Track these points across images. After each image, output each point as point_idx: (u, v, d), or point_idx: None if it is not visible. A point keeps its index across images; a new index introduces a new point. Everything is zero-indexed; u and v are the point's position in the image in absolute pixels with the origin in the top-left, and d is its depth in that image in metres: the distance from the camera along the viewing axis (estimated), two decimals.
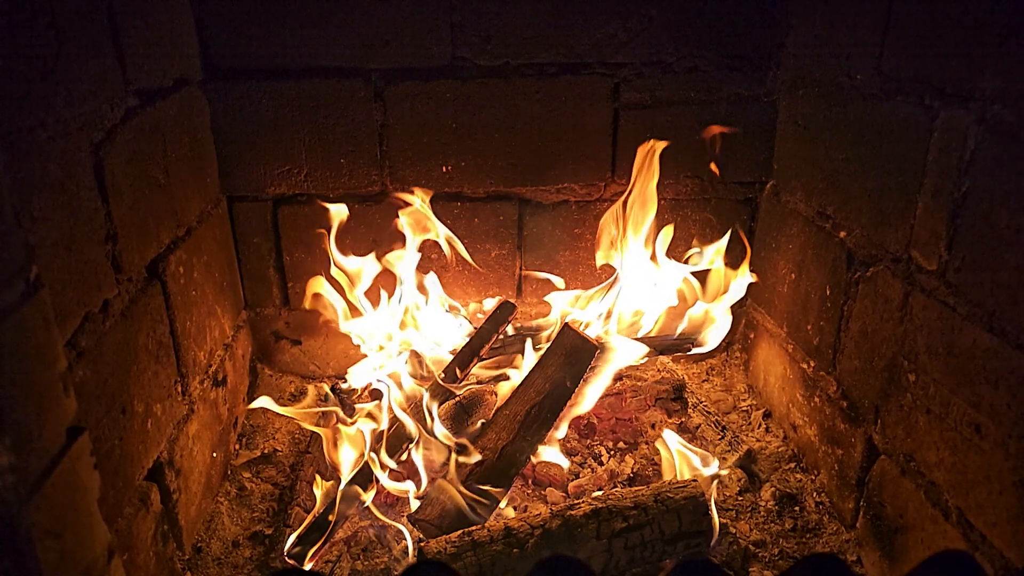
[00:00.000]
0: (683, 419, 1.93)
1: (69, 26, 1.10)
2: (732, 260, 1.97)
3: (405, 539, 1.48)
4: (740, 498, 1.69)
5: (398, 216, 1.95)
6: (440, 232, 1.96)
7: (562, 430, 1.71)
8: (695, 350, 1.90)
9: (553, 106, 1.93)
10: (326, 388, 1.92)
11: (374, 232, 2.00)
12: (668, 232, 1.95)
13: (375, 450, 1.60)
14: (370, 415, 1.69)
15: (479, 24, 1.83)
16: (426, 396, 1.69)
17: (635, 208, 1.89)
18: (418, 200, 1.94)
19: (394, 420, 1.68)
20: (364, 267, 1.97)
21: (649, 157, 1.86)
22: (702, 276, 1.97)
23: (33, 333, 0.77)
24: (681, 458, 1.63)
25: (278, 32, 1.80)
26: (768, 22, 1.87)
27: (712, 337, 1.88)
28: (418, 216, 1.94)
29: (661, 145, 1.85)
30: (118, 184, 1.26)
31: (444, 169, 1.98)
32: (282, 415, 2.01)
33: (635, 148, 1.96)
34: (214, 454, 1.70)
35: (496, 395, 1.76)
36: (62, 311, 1.05)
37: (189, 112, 1.69)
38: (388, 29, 1.82)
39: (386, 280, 2.01)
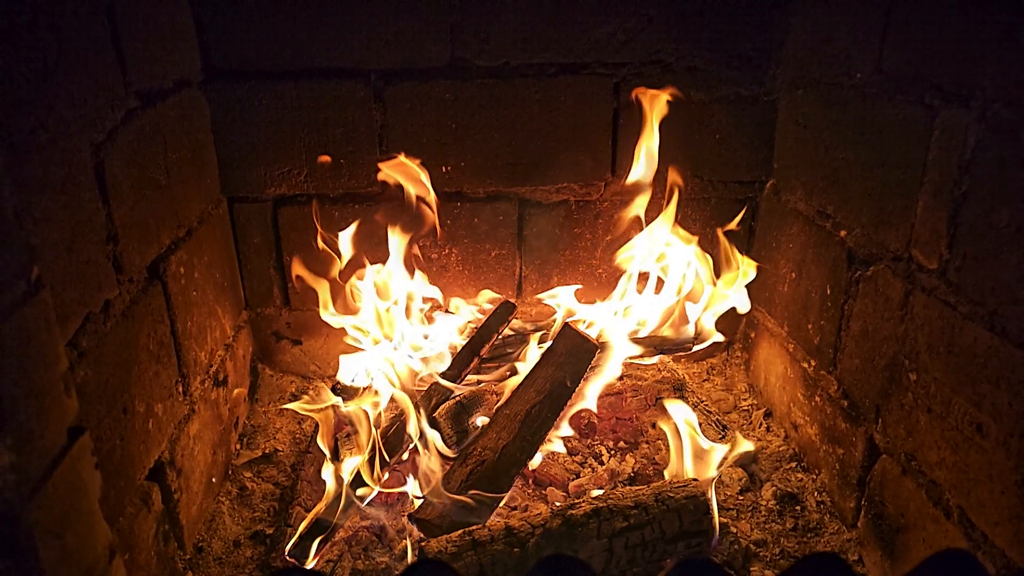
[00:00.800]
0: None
1: (70, 28, 1.10)
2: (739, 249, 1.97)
3: (406, 539, 1.48)
4: (741, 497, 1.69)
5: (379, 169, 1.89)
6: (428, 184, 1.91)
7: (564, 429, 1.71)
8: (703, 344, 1.89)
9: (553, 106, 1.93)
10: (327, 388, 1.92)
11: (375, 232, 2.00)
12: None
13: (377, 434, 1.60)
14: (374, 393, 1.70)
15: (478, 24, 1.83)
16: (412, 399, 1.68)
17: (642, 150, 1.87)
18: (401, 155, 1.90)
19: (394, 420, 1.69)
20: (350, 239, 1.94)
21: (652, 101, 1.83)
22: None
23: (35, 333, 0.77)
24: (690, 434, 1.62)
25: (278, 33, 1.80)
26: (768, 21, 1.87)
27: (739, 301, 1.86)
28: (404, 168, 1.89)
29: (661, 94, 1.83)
30: (119, 185, 1.26)
31: (444, 169, 1.98)
32: (282, 415, 2.02)
33: (635, 147, 1.96)
34: (215, 454, 1.70)
35: (497, 394, 1.76)
36: (63, 311, 1.05)
37: (189, 113, 1.70)
38: (387, 30, 1.82)
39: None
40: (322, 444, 1.62)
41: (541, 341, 1.86)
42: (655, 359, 1.91)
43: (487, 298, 2.10)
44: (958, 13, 1.21)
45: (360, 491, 1.55)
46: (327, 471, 1.55)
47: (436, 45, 1.85)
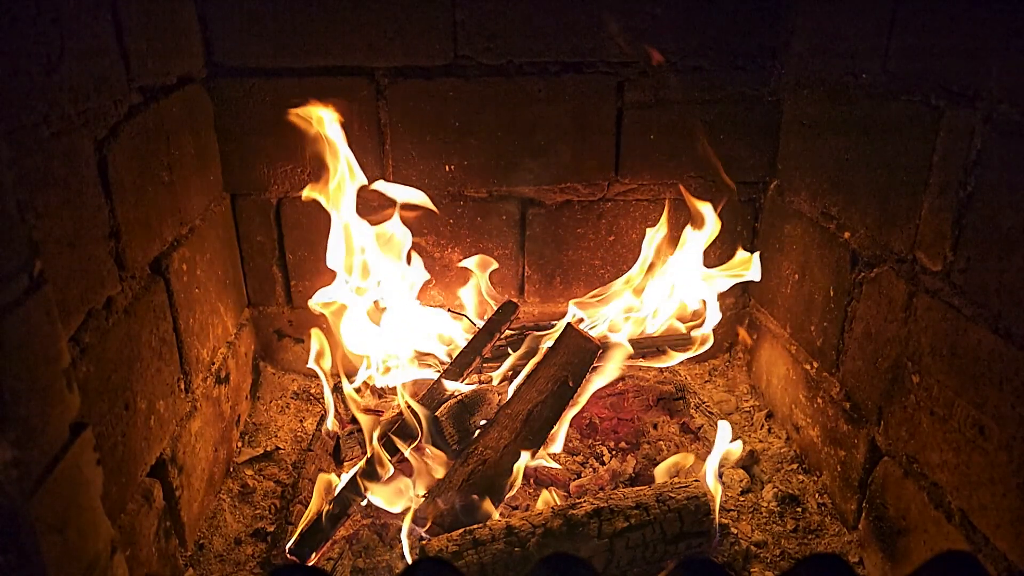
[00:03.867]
0: (685, 419, 1.93)
1: (73, 23, 1.10)
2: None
3: (410, 536, 1.48)
4: (742, 498, 1.69)
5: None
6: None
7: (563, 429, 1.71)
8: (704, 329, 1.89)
9: (556, 105, 1.93)
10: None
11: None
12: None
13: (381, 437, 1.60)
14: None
15: (482, 22, 1.83)
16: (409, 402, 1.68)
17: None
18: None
19: (395, 420, 1.69)
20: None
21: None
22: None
23: (37, 329, 0.77)
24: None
25: (281, 30, 1.80)
26: (773, 21, 1.86)
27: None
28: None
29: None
30: (122, 181, 1.26)
31: (447, 168, 1.98)
32: (284, 414, 2.02)
33: (638, 147, 1.95)
34: (217, 451, 1.70)
35: (499, 394, 1.75)
36: (66, 307, 1.05)
37: (193, 110, 1.69)
38: (391, 27, 1.82)
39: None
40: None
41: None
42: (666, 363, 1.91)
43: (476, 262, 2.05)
44: (965, 13, 1.20)
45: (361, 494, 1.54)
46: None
47: (440, 43, 1.84)
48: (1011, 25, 1.10)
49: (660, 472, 1.59)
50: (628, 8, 1.83)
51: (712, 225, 1.88)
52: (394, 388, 1.88)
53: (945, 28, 1.26)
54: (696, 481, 1.48)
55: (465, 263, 2.04)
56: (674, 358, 1.88)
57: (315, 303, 1.91)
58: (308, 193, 1.85)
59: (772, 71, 1.91)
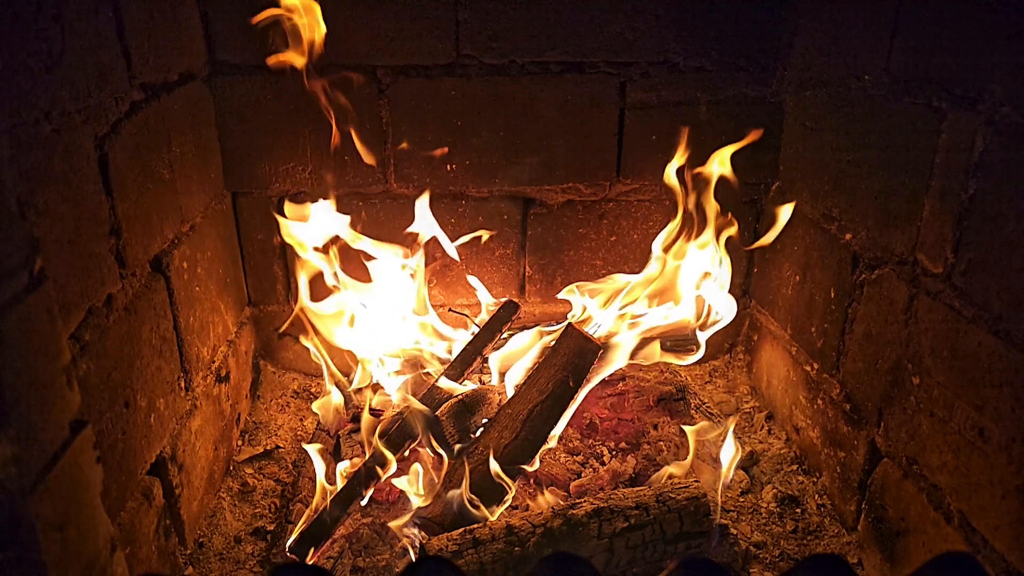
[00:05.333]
0: (686, 420, 1.92)
1: (74, 19, 1.10)
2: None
3: (409, 536, 1.48)
4: (741, 499, 1.69)
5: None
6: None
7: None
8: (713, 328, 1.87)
9: (558, 105, 1.93)
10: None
11: (380, 231, 2.00)
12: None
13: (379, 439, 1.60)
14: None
15: (485, 22, 1.83)
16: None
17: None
18: None
19: (396, 418, 1.68)
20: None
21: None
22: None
23: (37, 325, 0.77)
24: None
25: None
26: (775, 22, 1.86)
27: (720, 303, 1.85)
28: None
29: None
30: (122, 178, 1.26)
31: (449, 168, 1.98)
32: (284, 412, 2.02)
33: (640, 147, 1.95)
34: (217, 450, 1.70)
35: (500, 394, 1.75)
36: (66, 305, 1.05)
37: (194, 107, 1.69)
38: (393, 26, 1.82)
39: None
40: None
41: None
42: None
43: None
44: (967, 15, 1.20)
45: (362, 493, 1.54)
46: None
47: (442, 42, 1.84)
48: (1013, 27, 1.10)
49: (690, 433, 1.61)
50: (631, 8, 1.83)
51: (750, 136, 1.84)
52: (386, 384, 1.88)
53: (948, 30, 1.26)
54: (696, 481, 1.48)
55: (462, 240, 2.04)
56: (699, 341, 1.84)
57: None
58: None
59: (774, 72, 1.91)
